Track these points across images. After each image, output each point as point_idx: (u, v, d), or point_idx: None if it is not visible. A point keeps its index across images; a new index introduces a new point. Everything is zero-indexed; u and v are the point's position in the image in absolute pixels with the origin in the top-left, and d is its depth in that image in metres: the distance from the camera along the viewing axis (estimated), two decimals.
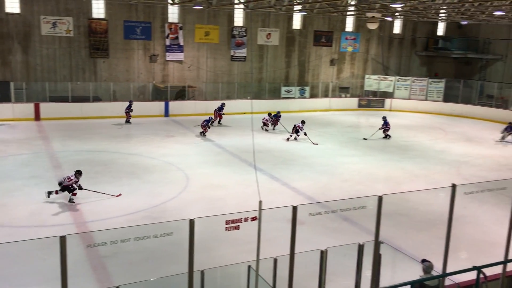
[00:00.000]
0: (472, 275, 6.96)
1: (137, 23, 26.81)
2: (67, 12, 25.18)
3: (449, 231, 6.54)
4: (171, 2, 25.93)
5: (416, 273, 7.42)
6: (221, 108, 25.06)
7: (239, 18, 29.52)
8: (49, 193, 12.75)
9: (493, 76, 33.33)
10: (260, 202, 5.95)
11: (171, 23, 27.63)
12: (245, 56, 29.86)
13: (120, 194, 13.47)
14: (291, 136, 21.78)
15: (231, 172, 16.43)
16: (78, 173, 12.84)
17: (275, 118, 23.80)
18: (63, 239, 4.69)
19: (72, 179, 12.63)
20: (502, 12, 22.61)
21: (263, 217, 6.21)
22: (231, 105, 28.10)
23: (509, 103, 30.17)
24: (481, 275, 7.10)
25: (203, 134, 21.81)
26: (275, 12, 29.13)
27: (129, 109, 24.14)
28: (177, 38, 27.77)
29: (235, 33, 29.32)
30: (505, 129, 23.22)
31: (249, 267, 6.81)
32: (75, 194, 12.70)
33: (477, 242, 11.35)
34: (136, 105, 24.45)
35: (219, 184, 15.06)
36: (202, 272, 6.60)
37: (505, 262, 7.02)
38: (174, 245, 8.85)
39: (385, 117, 23.11)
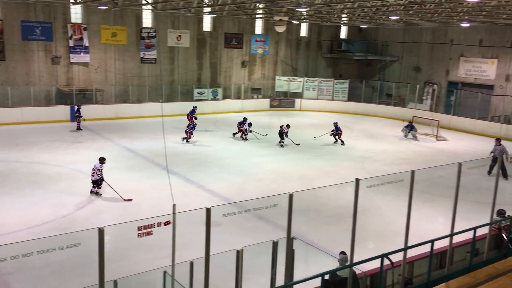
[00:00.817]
0: (378, 263, 7.47)
1: (36, 23, 25.13)
2: None
3: (354, 223, 6.93)
4: (73, 1, 24.65)
5: (328, 265, 7.78)
6: (193, 111, 24.80)
7: (147, 19, 28.86)
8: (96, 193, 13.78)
9: (391, 77, 35.90)
10: (174, 205, 5.88)
11: (74, 24, 26.28)
12: (155, 58, 29.25)
13: (131, 199, 13.61)
14: (282, 142, 21.88)
15: (145, 177, 16.03)
16: (104, 159, 14.01)
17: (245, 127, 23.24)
18: None
19: (99, 169, 13.76)
20: (397, 16, 24.44)
21: (178, 221, 6.14)
22: (142, 109, 27.48)
23: (406, 101, 32.66)
24: (388, 262, 7.65)
25: (186, 140, 21.63)
26: (184, 14, 28.89)
27: (79, 115, 22.95)
28: (81, 39, 26.48)
29: (144, 34, 28.62)
30: (406, 127, 25.11)
31: (165, 272, 6.70)
32: (100, 188, 13.92)
33: (381, 232, 12.15)
34: (38, 110, 22.95)
35: (132, 189, 14.61)
36: (115, 282, 6.37)
37: (405, 249, 7.60)
38: (84, 257, 8.42)
39: (336, 123, 23.07)
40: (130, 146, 20.47)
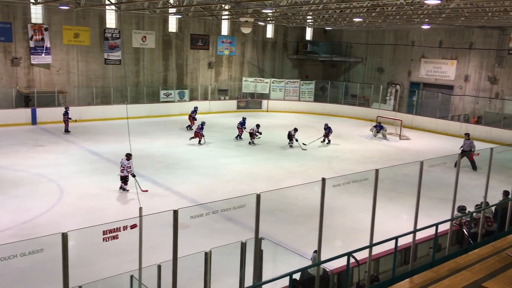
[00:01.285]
0: (345, 261, 7.59)
1: None
2: None
3: (321, 222, 7.02)
4: (33, 1, 23.94)
5: (296, 264, 7.84)
6: (194, 111, 25.33)
7: (111, 20, 28.34)
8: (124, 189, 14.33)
9: (355, 77, 36.57)
10: (140, 208, 5.81)
11: (35, 24, 25.52)
12: (120, 59, 28.74)
13: (147, 190, 14.23)
14: (291, 144, 22.17)
15: (110, 180, 15.73)
16: (130, 155, 14.28)
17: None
18: None
19: (128, 165, 14.17)
20: (360, 19, 24.91)
21: (145, 224, 6.07)
22: (107, 111, 26.97)
23: (370, 101, 33.34)
24: (354, 260, 7.78)
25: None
26: (149, 15, 28.54)
27: (67, 117, 22.76)
28: (42, 40, 25.74)
29: (108, 35, 28.10)
30: (375, 127, 25.62)
31: (132, 276, 6.60)
32: (126, 184, 14.42)
33: (348, 230, 12.35)
34: None
35: (97, 193, 14.33)
36: None
37: (370, 246, 7.75)
38: (48, 263, 8.21)
39: (327, 124, 23.80)
40: (95, 149, 20.05)
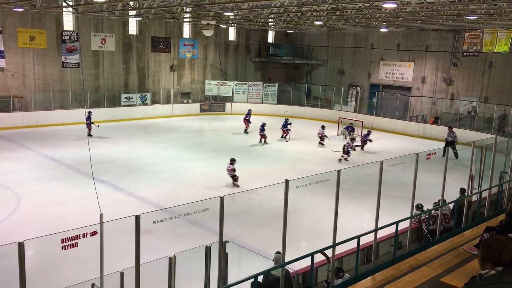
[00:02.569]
0: (309, 261, 7.67)
1: None
2: None
3: (285, 224, 7.07)
4: None
5: (261, 266, 7.87)
6: (248, 114, 26.18)
7: (68, 22, 27.60)
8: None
9: (317, 80, 37.10)
10: (101, 215, 5.69)
11: None
12: (78, 63, 28.01)
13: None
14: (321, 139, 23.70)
15: (70, 186, 15.31)
16: (234, 160, 15.95)
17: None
18: None
19: (232, 167, 15.81)
20: (321, 22, 25.32)
21: (107, 231, 5.94)
22: (65, 115, 26.25)
23: (332, 103, 33.88)
24: (319, 260, 7.88)
25: (265, 141, 23.44)
26: (108, 17, 27.98)
27: (89, 121, 22.52)
28: None
29: (65, 37, 27.35)
30: (346, 129, 25.96)
31: (93, 285, 6.44)
32: (237, 180, 15.91)
33: (312, 230, 12.49)
34: None
35: (57, 200, 13.91)
36: None
37: (333, 246, 7.86)
38: (4, 274, 7.92)
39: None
40: (53, 154, 19.46)
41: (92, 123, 22.96)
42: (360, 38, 34.09)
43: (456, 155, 21.14)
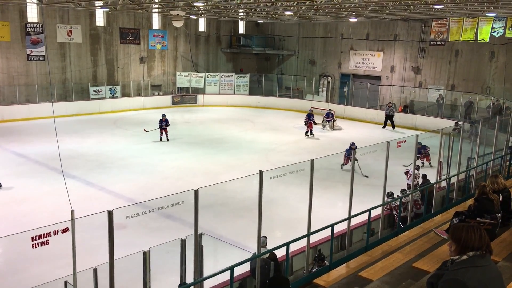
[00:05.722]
0: (284, 251, 7.73)
1: None
2: None
3: (260, 214, 7.09)
4: None
5: (237, 257, 7.87)
6: (311, 115, 24.37)
7: (33, 14, 26.73)
8: None
9: (289, 70, 37.18)
10: (72, 211, 5.57)
11: None
12: (44, 55, 27.21)
13: None
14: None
15: (39, 182, 14.94)
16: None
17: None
18: None
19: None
20: (291, 12, 25.31)
21: (78, 227, 5.82)
22: (32, 110, 25.53)
23: (303, 93, 34.06)
24: (293, 249, 7.93)
25: (311, 132, 23.68)
26: (74, 8, 27.22)
27: (166, 124, 21.60)
28: None
29: (30, 30, 26.50)
30: (326, 116, 26.15)
31: (66, 282, 6.32)
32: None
33: (287, 220, 12.58)
34: None
35: (25, 197, 13.56)
36: None
37: (308, 235, 7.95)
38: None
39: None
40: (20, 150, 18.92)
41: (168, 125, 21.80)
42: (330, 28, 34.28)
43: (393, 126, 25.71)
